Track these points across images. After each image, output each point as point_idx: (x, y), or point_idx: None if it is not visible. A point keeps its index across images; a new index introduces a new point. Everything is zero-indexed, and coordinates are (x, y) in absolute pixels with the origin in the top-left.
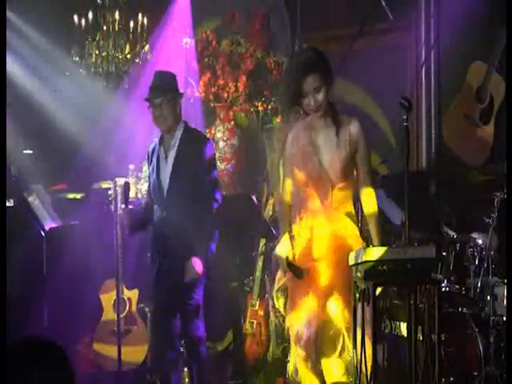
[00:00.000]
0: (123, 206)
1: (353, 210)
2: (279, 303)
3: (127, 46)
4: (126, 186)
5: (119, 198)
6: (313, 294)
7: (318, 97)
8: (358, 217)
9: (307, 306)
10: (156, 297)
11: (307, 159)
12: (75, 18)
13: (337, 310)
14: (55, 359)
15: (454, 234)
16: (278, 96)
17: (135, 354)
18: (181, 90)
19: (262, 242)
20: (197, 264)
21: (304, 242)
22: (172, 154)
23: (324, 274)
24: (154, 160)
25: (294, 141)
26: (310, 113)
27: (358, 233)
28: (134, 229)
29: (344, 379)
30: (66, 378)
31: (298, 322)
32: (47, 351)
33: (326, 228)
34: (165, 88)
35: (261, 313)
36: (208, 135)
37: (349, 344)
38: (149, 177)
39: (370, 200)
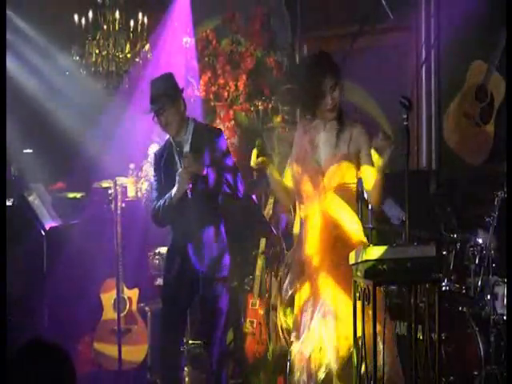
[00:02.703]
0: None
1: (352, 210)
2: (288, 320)
3: (127, 46)
4: None
5: None
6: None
7: (334, 94)
8: (359, 215)
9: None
10: (168, 297)
11: (305, 157)
12: (75, 17)
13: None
14: (57, 360)
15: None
16: (295, 100)
17: (135, 353)
18: (180, 87)
19: (262, 241)
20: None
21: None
22: (187, 149)
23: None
24: (169, 158)
25: (298, 141)
26: (326, 113)
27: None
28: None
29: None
30: (67, 378)
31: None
32: (49, 352)
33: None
34: (160, 94)
35: (261, 312)
36: None
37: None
38: (157, 179)
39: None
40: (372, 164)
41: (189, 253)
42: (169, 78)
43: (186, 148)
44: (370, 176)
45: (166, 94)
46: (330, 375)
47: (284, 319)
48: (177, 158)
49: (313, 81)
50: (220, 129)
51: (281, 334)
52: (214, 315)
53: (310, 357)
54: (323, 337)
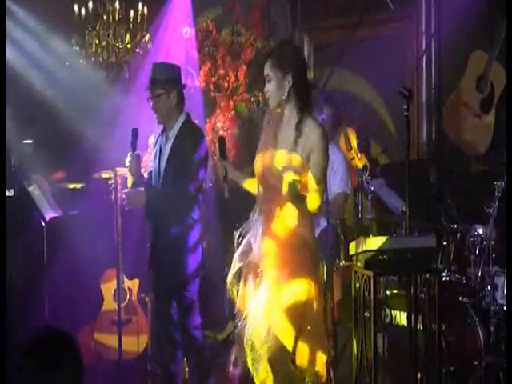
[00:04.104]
0: (131, 153)
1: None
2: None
3: (127, 36)
4: (135, 132)
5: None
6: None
7: (267, 85)
8: (358, 208)
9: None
10: (155, 286)
11: (266, 151)
12: (75, 7)
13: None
14: (66, 348)
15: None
16: None
17: (136, 343)
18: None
19: None
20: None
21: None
22: (168, 147)
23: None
24: (157, 149)
25: (265, 128)
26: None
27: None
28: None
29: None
30: (74, 367)
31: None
32: (57, 340)
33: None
34: (159, 80)
35: None
36: (208, 125)
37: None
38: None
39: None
40: (319, 176)
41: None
42: (171, 69)
43: (168, 146)
44: (314, 196)
45: (162, 82)
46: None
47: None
48: (164, 142)
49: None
50: (203, 134)
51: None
52: (184, 307)
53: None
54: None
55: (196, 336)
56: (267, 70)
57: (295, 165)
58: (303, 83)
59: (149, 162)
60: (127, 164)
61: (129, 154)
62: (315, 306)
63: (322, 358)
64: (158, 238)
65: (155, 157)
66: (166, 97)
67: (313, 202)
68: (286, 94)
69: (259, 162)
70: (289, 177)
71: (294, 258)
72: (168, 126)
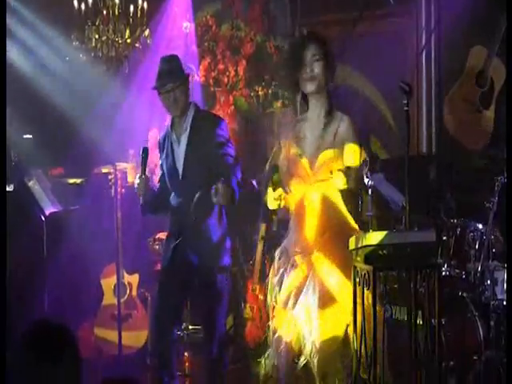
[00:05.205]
0: (141, 175)
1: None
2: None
3: (127, 31)
4: (145, 153)
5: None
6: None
7: (315, 65)
8: (359, 203)
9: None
10: (164, 281)
11: (291, 148)
12: (75, 2)
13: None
14: (64, 340)
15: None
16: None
17: (136, 338)
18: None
19: (263, 226)
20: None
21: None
22: (184, 138)
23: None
24: (168, 146)
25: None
26: (305, 84)
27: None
28: (147, 204)
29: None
30: (72, 359)
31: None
32: (55, 333)
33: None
34: (174, 72)
35: (261, 297)
36: None
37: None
38: (161, 165)
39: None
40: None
41: (185, 240)
42: (179, 60)
43: (184, 140)
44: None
45: (177, 72)
46: (308, 365)
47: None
48: (175, 137)
49: (293, 50)
50: (221, 117)
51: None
52: (214, 300)
53: (289, 343)
54: (305, 325)
55: (219, 331)
56: (316, 50)
57: (327, 159)
58: (334, 72)
59: (153, 157)
60: (136, 185)
61: (137, 176)
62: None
63: None
64: (183, 232)
65: (167, 156)
66: (182, 88)
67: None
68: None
69: (284, 154)
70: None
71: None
72: (180, 119)
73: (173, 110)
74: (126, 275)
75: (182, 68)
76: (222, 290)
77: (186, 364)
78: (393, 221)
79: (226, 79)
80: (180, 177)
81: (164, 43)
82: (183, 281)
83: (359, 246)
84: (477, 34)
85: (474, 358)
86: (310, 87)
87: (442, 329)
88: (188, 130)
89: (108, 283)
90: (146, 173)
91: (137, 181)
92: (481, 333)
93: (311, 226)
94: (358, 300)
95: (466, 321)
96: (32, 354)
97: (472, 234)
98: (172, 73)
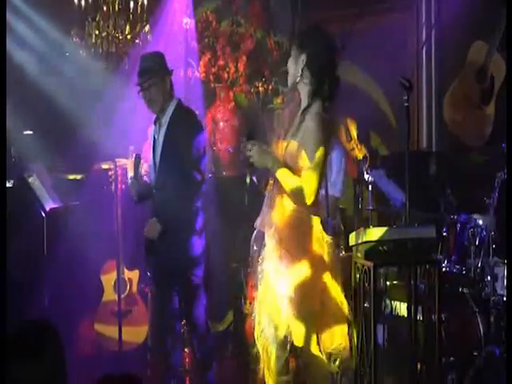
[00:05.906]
0: (133, 179)
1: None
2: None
3: (127, 27)
4: (138, 159)
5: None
6: None
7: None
8: (359, 199)
9: None
10: (154, 276)
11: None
12: None
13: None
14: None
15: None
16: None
17: (136, 334)
18: (170, 68)
19: None
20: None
21: None
22: (162, 133)
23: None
24: (151, 140)
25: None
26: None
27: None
28: (141, 197)
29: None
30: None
31: None
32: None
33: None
34: (149, 70)
35: None
36: (208, 116)
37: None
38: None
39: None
40: (312, 159)
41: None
42: (158, 56)
43: (161, 134)
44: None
45: (153, 70)
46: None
47: None
48: (157, 130)
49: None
50: (201, 126)
51: None
52: (189, 292)
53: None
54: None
55: (199, 323)
56: (298, 49)
57: (291, 150)
58: (317, 66)
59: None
60: (129, 186)
61: (131, 181)
62: (325, 285)
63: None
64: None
65: (152, 149)
66: (159, 85)
67: (307, 181)
68: (300, 72)
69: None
70: (294, 182)
71: (293, 233)
72: (161, 114)
73: (151, 106)
74: (126, 271)
75: (161, 64)
76: (198, 278)
77: (186, 360)
78: (393, 217)
79: (226, 75)
80: (156, 172)
81: (164, 39)
82: (169, 272)
83: (359, 241)
84: (477, 29)
85: (475, 353)
86: (288, 83)
87: (442, 324)
88: (165, 126)
89: (108, 279)
90: (143, 172)
91: (129, 182)
92: (481, 328)
93: (280, 205)
94: (358, 296)
95: (466, 316)
96: (13, 353)
97: (472, 229)
98: (148, 71)
